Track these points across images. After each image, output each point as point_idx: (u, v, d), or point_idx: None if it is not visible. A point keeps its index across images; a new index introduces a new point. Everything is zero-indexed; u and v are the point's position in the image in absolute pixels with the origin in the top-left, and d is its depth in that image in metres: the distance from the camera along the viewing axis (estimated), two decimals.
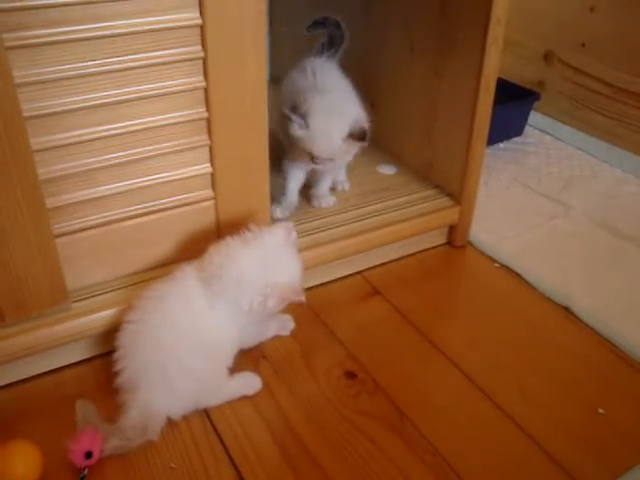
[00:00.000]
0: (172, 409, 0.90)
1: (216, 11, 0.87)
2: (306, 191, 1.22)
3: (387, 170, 1.36)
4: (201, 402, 0.93)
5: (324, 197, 1.21)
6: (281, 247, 0.93)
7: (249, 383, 0.97)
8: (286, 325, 1.07)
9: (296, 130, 1.08)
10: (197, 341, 0.89)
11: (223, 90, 0.93)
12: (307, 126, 1.07)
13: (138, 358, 0.88)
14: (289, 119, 1.08)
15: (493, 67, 1.12)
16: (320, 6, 1.50)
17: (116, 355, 0.90)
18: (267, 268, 0.90)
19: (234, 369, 0.95)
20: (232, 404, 0.94)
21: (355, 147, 1.12)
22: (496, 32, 1.09)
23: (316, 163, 1.11)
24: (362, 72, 1.19)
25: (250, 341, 1.00)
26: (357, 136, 1.07)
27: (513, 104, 1.72)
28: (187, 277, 0.92)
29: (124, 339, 0.90)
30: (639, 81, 1.61)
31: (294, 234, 0.96)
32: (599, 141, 1.73)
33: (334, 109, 1.08)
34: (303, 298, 0.91)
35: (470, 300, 1.20)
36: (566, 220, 1.41)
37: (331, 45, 1.22)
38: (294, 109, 1.08)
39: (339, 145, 1.08)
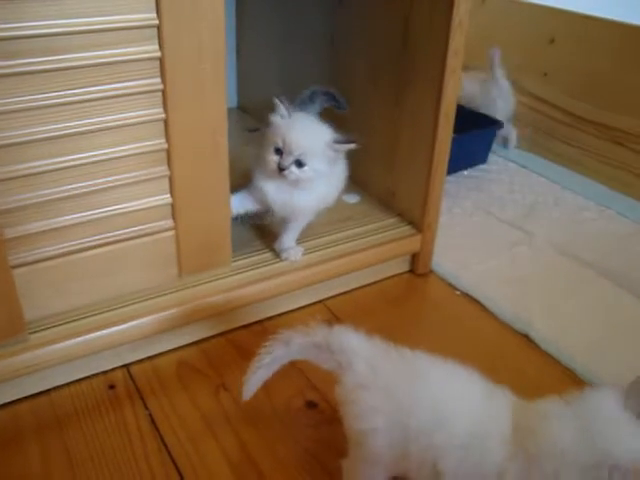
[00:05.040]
0: None
1: (175, 44, 0.88)
2: (272, 243, 1.19)
3: (350, 199, 1.37)
4: None
5: (291, 249, 1.17)
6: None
7: None
8: None
9: (276, 117, 1.07)
10: None
11: (182, 121, 0.94)
12: (289, 116, 1.07)
13: None
14: (275, 105, 1.07)
15: (451, 98, 1.14)
16: (288, 37, 1.53)
17: None
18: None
19: None
20: (190, 432, 0.94)
21: (335, 159, 1.09)
22: (454, 64, 1.11)
23: (282, 167, 1.04)
24: None
25: None
26: (342, 140, 1.06)
27: (477, 132, 1.75)
28: None
29: None
30: (597, 110, 1.65)
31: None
32: (561, 168, 1.77)
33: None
34: None
35: (432, 328, 1.21)
36: (528, 247, 1.43)
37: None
38: (282, 99, 1.08)
39: (317, 142, 1.05)
